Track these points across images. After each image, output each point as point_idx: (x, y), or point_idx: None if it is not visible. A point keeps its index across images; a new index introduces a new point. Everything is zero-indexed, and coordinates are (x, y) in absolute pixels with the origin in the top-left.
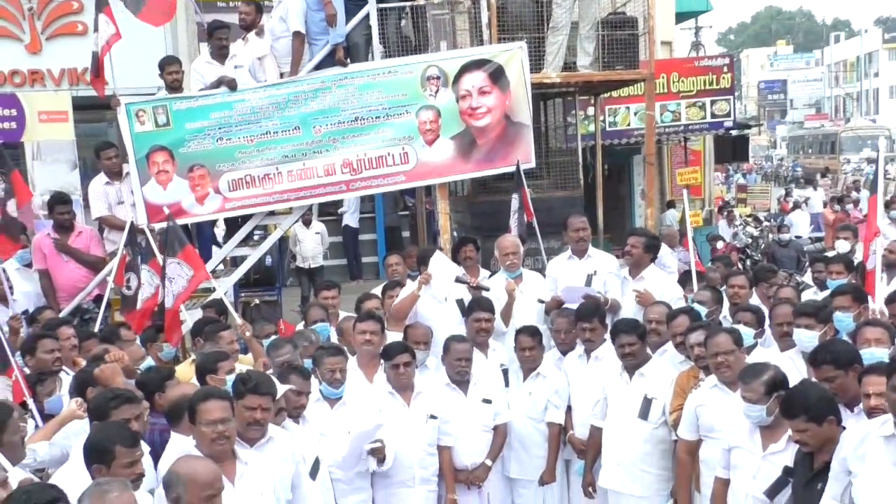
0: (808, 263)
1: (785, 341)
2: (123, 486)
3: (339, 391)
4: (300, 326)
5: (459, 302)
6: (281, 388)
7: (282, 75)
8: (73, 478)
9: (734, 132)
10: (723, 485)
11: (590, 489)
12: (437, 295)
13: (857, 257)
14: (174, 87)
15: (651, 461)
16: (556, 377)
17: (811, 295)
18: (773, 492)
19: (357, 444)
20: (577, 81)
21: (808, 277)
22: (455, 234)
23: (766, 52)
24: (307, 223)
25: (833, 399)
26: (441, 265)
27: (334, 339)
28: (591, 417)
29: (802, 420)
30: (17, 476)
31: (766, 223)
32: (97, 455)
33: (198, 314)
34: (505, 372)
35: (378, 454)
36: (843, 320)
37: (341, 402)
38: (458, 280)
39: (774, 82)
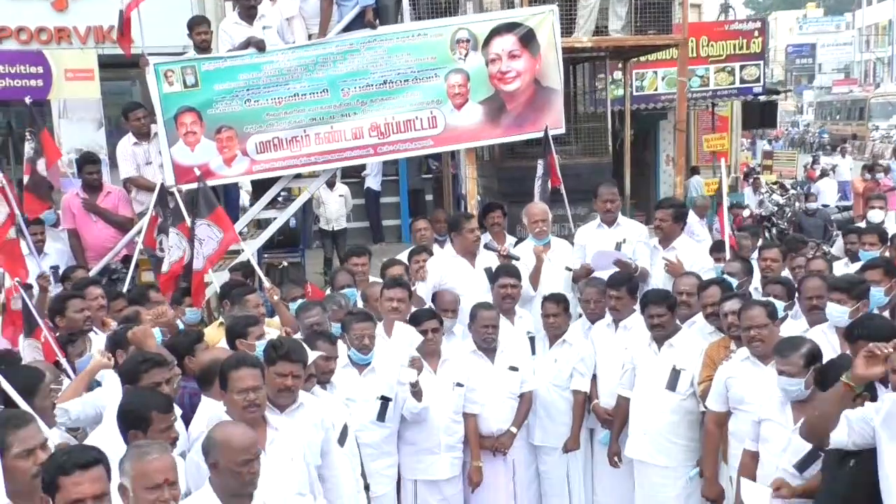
0: (835, 233)
1: (813, 315)
2: (163, 449)
3: (368, 357)
4: (327, 291)
5: (487, 269)
6: (311, 355)
7: (310, 37)
8: (108, 440)
9: (763, 98)
10: (751, 457)
11: (615, 458)
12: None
13: (890, 228)
14: (203, 47)
15: (678, 432)
16: (582, 345)
17: (842, 267)
18: (803, 465)
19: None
20: (608, 46)
21: (836, 247)
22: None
23: (796, 14)
24: (331, 185)
25: None
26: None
27: (359, 305)
28: (618, 387)
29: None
30: (53, 438)
31: (792, 191)
32: (133, 421)
33: (224, 276)
34: (531, 339)
35: (417, 363)
36: (875, 295)
37: (370, 368)
38: (486, 247)
39: (803, 46)
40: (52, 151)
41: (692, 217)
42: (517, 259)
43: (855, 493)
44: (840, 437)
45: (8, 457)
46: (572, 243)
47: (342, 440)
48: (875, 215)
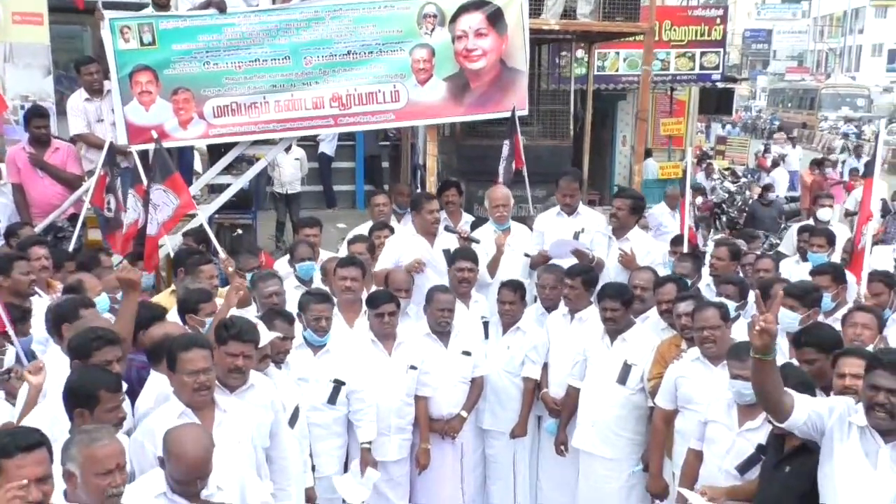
0: (783, 225)
1: None
2: (111, 434)
3: (324, 339)
4: (282, 260)
5: (446, 251)
6: (268, 336)
7: (274, 1)
8: (49, 416)
9: (720, 85)
10: (695, 456)
11: (562, 448)
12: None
13: (835, 223)
14: (161, 4)
15: (625, 425)
16: (535, 333)
17: (793, 265)
18: (744, 468)
19: None
20: (575, 30)
21: (786, 240)
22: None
23: None
24: (287, 149)
25: (811, 383)
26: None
27: (318, 279)
28: (568, 377)
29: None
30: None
31: (743, 179)
32: (81, 399)
33: (177, 239)
34: (485, 324)
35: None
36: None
37: (324, 350)
38: (447, 229)
39: (759, 31)
40: None
41: (663, 208)
42: (477, 242)
43: (788, 496)
44: (798, 418)
45: None
46: (531, 227)
47: (293, 422)
48: (824, 213)
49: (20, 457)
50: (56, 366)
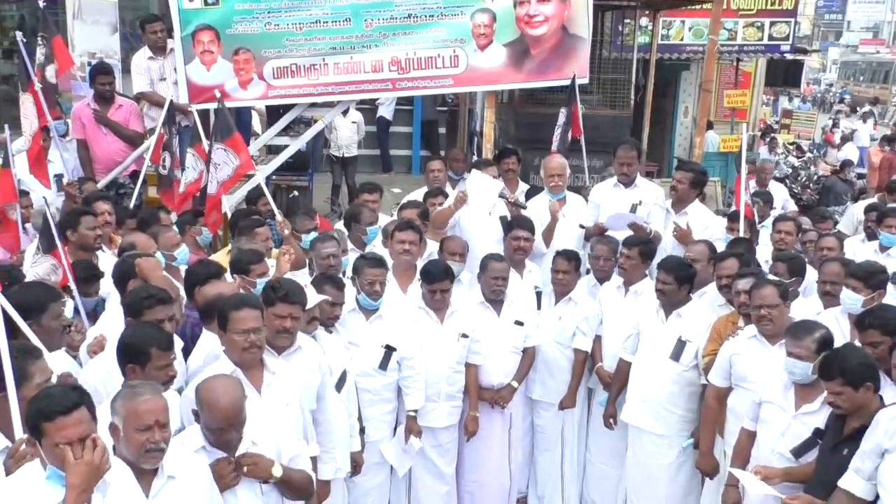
0: (849, 203)
1: (827, 298)
2: (155, 390)
3: (377, 303)
4: (337, 225)
5: (503, 218)
6: (317, 298)
7: None
8: (104, 370)
9: (789, 56)
10: (748, 436)
11: (611, 421)
12: (479, 211)
13: None
14: None
15: (677, 402)
16: (587, 304)
17: (858, 244)
18: (800, 452)
19: None
20: None
21: (846, 218)
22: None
23: None
24: (344, 112)
25: (874, 365)
26: (481, 182)
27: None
28: (620, 351)
29: (839, 383)
30: (58, 361)
31: (808, 154)
32: (133, 355)
33: (234, 200)
34: (538, 294)
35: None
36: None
37: (377, 315)
38: (500, 196)
39: (833, 0)
40: (63, 59)
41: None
42: (524, 207)
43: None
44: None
45: (30, 387)
46: (586, 197)
47: (339, 386)
48: None
49: (60, 419)
50: (115, 320)
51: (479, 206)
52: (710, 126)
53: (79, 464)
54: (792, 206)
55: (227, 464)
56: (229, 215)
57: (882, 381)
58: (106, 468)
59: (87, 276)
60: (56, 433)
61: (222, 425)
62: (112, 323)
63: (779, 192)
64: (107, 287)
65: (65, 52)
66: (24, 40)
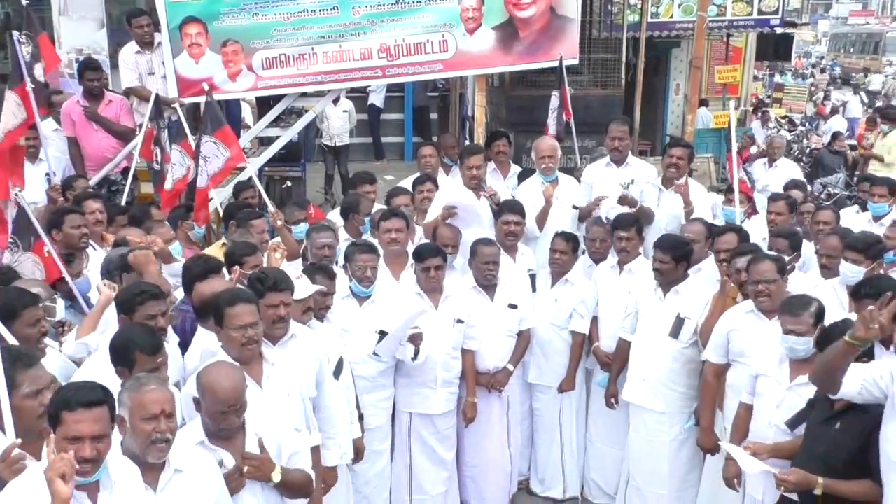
0: (841, 174)
1: (825, 271)
2: (160, 381)
3: (369, 290)
4: (332, 214)
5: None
6: (311, 289)
7: None
8: (99, 370)
9: (779, 30)
10: (746, 410)
11: (612, 400)
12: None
13: None
14: None
15: (677, 379)
16: (584, 286)
17: (853, 214)
18: (794, 423)
19: (403, 326)
20: None
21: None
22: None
23: None
24: (335, 101)
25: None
26: (459, 197)
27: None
28: (620, 330)
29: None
30: (53, 364)
31: (800, 127)
32: (119, 357)
33: (226, 193)
34: (532, 277)
35: (416, 341)
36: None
37: (370, 301)
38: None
39: None
40: (50, 57)
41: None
42: (497, 204)
43: (836, 454)
44: (851, 389)
45: (17, 396)
46: (578, 178)
47: (337, 373)
48: None
49: (80, 412)
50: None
51: (466, 218)
52: (705, 104)
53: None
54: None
55: (234, 470)
56: (220, 209)
57: (878, 350)
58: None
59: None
60: (73, 425)
61: (224, 409)
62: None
63: (789, 169)
64: (95, 283)
65: (51, 49)
66: (21, 40)
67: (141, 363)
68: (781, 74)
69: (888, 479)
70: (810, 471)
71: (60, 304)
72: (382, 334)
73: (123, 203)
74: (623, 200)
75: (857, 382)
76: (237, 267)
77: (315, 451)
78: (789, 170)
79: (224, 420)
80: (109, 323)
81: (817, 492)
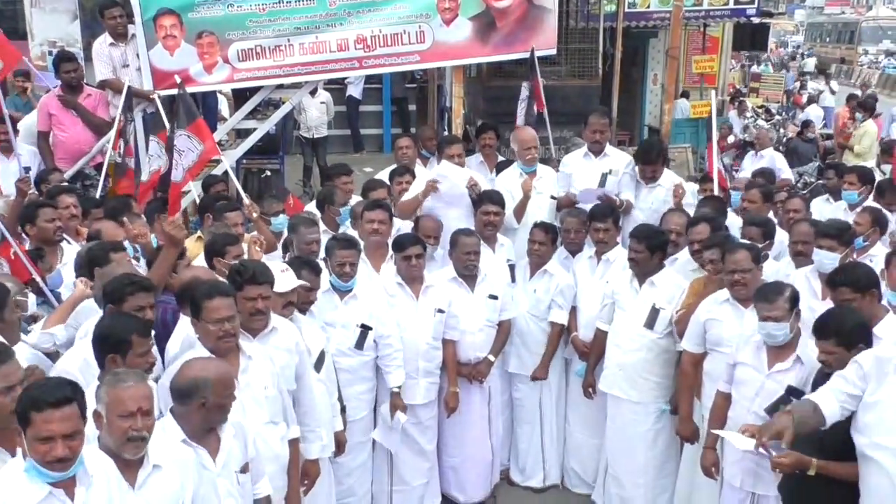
0: (817, 163)
1: (800, 259)
2: (139, 377)
3: (350, 284)
4: (310, 206)
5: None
6: (295, 283)
7: None
8: (77, 362)
9: (756, 20)
10: (724, 399)
11: (590, 390)
12: (451, 196)
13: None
14: None
15: (652, 369)
16: (562, 276)
17: (823, 203)
18: (773, 409)
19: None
20: None
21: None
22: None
23: None
24: (313, 92)
25: (867, 327)
26: (451, 171)
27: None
28: (597, 320)
29: (833, 343)
30: (19, 354)
31: (777, 116)
32: (113, 345)
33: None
34: (511, 268)
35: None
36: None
37: (351, 295)
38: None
39: None
40: (8, 55)
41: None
42: (478, 193)
43: (832, 435)
44: (834, 414)
45: None
46: (557, 170)
47: (318, 366)
48: None
49: (48, 412)
50: (90, 311)
51: (449, 195)
52: (685, 95)
53: None
54: (788, 175)
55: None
56: (197, 201)
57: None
58: None
59: (35, 256)
60: (42, 425)
61: (226, 396)
62: (88, 315)
63: (776, 161)
64: (71, 277)
65: (8, 47)
66: None
67: (137, 346)
68: (759, 65)
69: (862, 471)
70: (805, 453)
71: (32, 299)
72: (364, 328)
73: (98, 197)
74: (604, 199)
75: (834, 406)
76: (219, 258)
77: (294, 443)
78: (776, 162)
79: (223, 411)
80: (79, 316)
81: (811, 472)
